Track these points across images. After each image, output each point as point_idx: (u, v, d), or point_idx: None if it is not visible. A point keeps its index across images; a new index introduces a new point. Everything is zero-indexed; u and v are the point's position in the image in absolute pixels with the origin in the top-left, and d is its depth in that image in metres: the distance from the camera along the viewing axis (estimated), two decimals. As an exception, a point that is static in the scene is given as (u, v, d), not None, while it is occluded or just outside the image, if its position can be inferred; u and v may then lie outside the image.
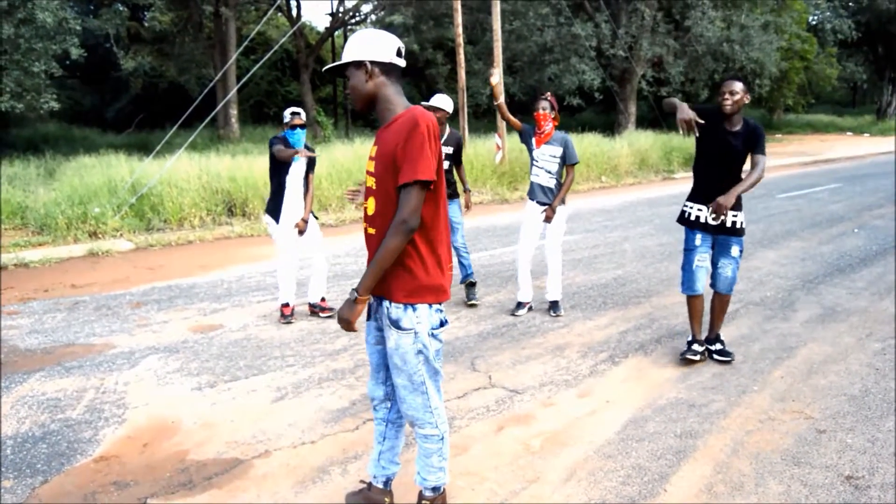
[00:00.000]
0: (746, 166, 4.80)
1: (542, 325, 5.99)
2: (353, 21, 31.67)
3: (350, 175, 12.99)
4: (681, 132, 4.63)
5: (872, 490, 3.32)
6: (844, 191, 14.57)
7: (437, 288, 2.74)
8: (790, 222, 10.72)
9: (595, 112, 34.10)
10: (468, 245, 6.98)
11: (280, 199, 6.02)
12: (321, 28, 35.34)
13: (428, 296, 2.72)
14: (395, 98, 2.73)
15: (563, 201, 6.13)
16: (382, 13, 32.30)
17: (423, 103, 6.14)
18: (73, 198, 10.36)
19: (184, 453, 3.78)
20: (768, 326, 5.87)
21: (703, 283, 4.98)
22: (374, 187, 2.73)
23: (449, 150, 6.45)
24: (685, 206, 5.02)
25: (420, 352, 2.75)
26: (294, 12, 28.69)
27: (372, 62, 2.68)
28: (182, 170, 11.67)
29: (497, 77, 6.17)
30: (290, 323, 6.06)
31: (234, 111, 23.72)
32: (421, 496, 3.03)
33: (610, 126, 26.17)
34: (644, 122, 27.60)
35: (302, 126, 5.93)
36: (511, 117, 6.22)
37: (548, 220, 6.08)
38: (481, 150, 15.90)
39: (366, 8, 30.15)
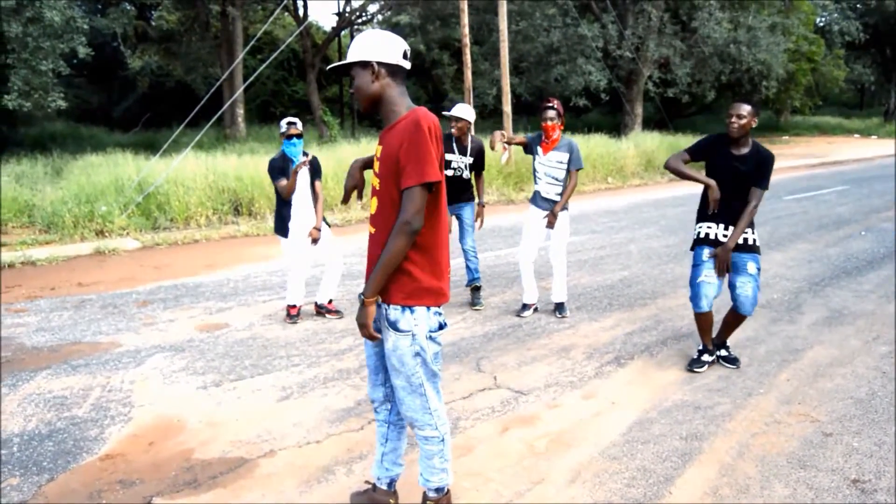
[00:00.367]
0: None
1: (548, 326, 5.99)
2: (359, 21, 31.69)
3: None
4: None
5: (879, 494, 3.31)
6: (851, 193, 14.52)
7: (435, 290, 2.73)
8: (797, 224, 10.69)
9: (601, 113, 34.05)
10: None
11: (286, 213, 5.99)
12: (328, 28, 35.39)
13: (426, 298, 2.71)
14: (400, 99, 2.73)
15: (565, 206, 6.08)
16: (389, 13, 32.33)
17: (444, 113, 6.21)
18: (80, 196, 10.39)
19: (189, 452, 3.79)
20: (774, 329, 5.85)
21: (709, 301, 4.81)
22: (377, 187, 2.73)
23: (470, 160, 6.49)
24: (696, 228, 4.92)
25: (418, 354, 2.74)
26: (301, 12, 28.71)
27: (378, 63, 2.68)
28: (188, 169, 11.70)
29: (499, 145, 6.26)
30: (295, 323, 6.07)
31: (240, 110, 23.74)
32: (425, 497, 3.03)
33: (616, 127, 26.13)
34: (650, 124, 27.54)
35: (298, 136, 5.90)
36: (518, 140, 6.25)
37: (550, 225, 6.04)
38: (486, 151, 15.86)
39: (372, 8, 30.16)
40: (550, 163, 6.01)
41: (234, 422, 4.15)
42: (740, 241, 4.70)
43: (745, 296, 4.78)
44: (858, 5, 37.98)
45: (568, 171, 6.01)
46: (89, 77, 30.52)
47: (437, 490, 3.00)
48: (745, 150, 4.64)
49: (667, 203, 13.53)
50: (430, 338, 2.76)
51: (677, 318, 6.08)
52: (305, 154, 6.00)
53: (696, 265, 4.87)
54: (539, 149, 6.08)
